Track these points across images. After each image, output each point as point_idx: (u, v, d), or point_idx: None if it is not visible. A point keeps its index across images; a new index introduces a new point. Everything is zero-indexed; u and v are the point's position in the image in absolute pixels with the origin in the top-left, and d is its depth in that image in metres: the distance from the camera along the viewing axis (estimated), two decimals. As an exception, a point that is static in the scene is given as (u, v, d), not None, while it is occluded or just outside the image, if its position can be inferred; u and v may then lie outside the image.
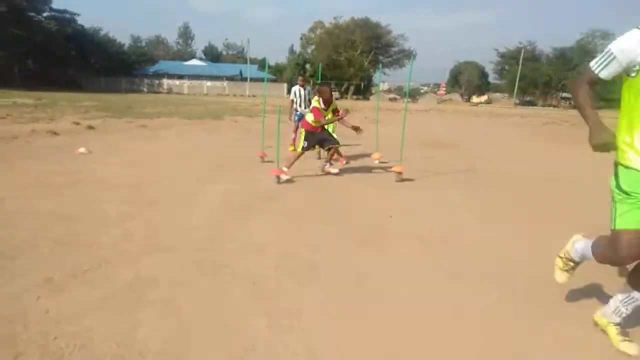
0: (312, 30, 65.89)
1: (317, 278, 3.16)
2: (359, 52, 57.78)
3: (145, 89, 56.35)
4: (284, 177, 6.03)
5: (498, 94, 78.98)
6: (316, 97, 6.67)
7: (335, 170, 6.78)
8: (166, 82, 59.24)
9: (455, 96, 71.21)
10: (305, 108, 8.64)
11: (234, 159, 7.90)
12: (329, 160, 6.85)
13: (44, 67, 49.32)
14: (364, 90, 61.29)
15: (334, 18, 62.40)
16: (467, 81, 71.42)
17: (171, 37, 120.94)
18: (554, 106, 60.32)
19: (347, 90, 58.25)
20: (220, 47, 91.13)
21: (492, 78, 78.01)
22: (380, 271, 3.31)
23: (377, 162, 7.84)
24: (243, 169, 7.01)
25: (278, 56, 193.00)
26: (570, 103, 63.94)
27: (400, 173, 6.31)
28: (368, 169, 7.42)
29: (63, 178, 5.83)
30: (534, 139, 14.73)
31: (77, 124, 12.13)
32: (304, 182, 6.24)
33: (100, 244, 3.59)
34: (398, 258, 3.58)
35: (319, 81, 8.89)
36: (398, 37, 62.50)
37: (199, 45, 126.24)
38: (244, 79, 62.62)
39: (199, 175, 6.35)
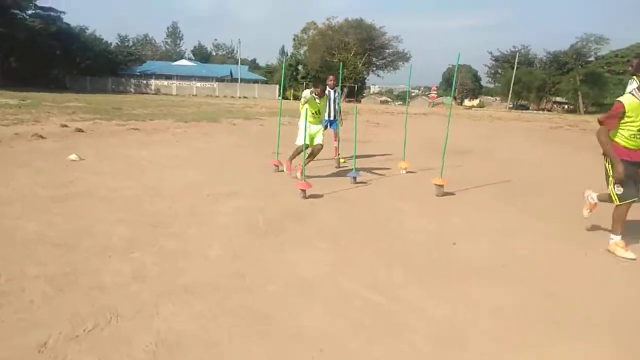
0: (304, 31, 65.08)
1: (395, 331, 2.43)
2: (352, 54, 57.12)
3: (132, 90, 54.98)
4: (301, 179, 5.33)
5: (490, 98, 79.04)
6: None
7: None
8: (154, 82, 57.92)
9: (447, 100, 71.10)
10: (333, 113, 7.61)
11: (243, 168, 7.13)
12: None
13: (27, 66, 47.64)
14: (356, 93, 60.65)
15: (327, 19, 61.66)
16: (461, 85, 71.28)
17: (159, 37, 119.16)
18: (548, 110, 60.42)
19: (341, 93, 57.50)
20: (209, 47, 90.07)
21: (485, 82, 78.28)
22: (474, 326, 2.58)
23: (403, 172, 7.13)
24: (257, 180, 6.24)
25: (269, 57, 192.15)
26: (563, 107, 64.21)
27: (441, 186, 5.59)
28: (398, 181, 6.67)
29: (52, 191, 5.01)
30: (548, 144, 14.16)
31: (65, 126, 11.21)
32: (332, 196, 5.49)
33: (105, 286, 2.81)
34: (491, 306, 2.85)
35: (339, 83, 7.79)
36: (392, 39, 61.97)
37: (187, 46, 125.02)
38: (234, 80, 61.64)
39: (207, 188, 5.57)
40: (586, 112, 53.06)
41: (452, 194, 5.78)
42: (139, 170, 6.49)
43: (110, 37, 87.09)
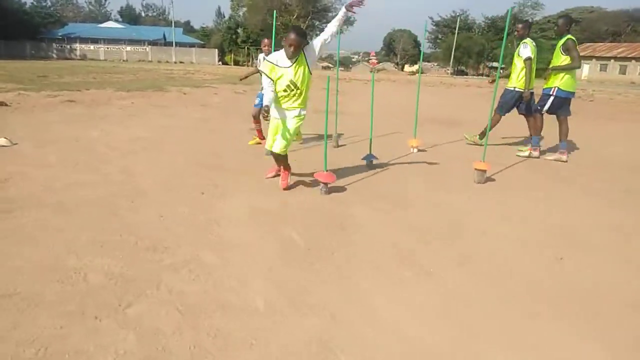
0: (242, -9, 61.31)
1: None
2: (295, 16, 54.65)
3: (54, 55, 49.67)
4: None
5: (428, 64, 79.60)
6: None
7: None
8: (79, 47, 52.67)
9: (388, 65, 70.69)
10: None
11: (226, 150, 5.85)
12: None
13: None
14: (300, 58, 58.50)
15: (267, -22, 58.33)
16: (403, 50, 70.91)
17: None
18: (487, 75, 61.69)
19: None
20: (138, 8, 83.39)
21: (426, 47, 78.39)
22: None
23: (415, 150, 6.16)
24: (252, 167, 5.04)
25: (204, 19, 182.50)
26: (501, 72, 65.80)
27: (484, 172, 4.68)
28: (417, 163, 5.66)
29: (-19, 198, 3.57)
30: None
31: (-19, 99, 9.17)
32: (357, 190, 4.41)
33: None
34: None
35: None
36: (336, 1, 59.97)
37: (114, 6, 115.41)
38: (168, 44, 57.45)
39: (197, 182, 4.32)
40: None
41: (491, 178, 4.90)
42: (97, 159, 5.05)
43: (22, -4, 77.76)
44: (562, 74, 5.87)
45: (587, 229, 3.57)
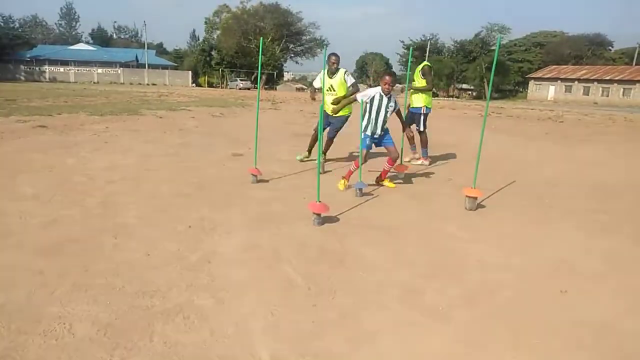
0: (216, 14, 61.57)
1: None
2: (269, 39, 55.08)
3: (22, 77, 48.61)
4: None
5: (398, 85, 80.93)
6: None
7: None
8: (48, 69, 51.73)
9: (362, 87, 71.73)
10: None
11: (211, 179, 5.66)
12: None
13: None
14: (274, 80, 58.89)
15: (241, 2, 58.85)
16: (375, 72, 72.23)
17: (51, 19, 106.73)
18: (456, 97, 63.19)
19: (256, 80, 55.48)
20: (110, 30, 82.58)
21: (397, 70, 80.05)
22: None
23: (402, 175, 6.12)
24: (240, 197, 4.88)
25: (177, 41, 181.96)
26: (469, 94, 67.71)
27: (475, 198, 4.65)
28: (405, 188, 5.63)
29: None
30: (507, 134, 13.93)
31: (-53, 125, 8.75)
32: (350, 219, 4.30)
33: None
34: None
35: None
36: (309, 26, 60.93)
37: (85, 28, 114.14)
38: (140, 66, 56.96)
39: (182, 214, 4.14)
40: (491, 98, 56.35)
41: (481, 204, 4.87)
42: (75, 190, 4.80)
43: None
44: (425, 94, 7.05)
45: (582, 257, 3.55)
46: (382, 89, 5.16)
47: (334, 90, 6.41)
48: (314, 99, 6.96)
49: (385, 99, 5.17)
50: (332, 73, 6.36)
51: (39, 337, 2.17)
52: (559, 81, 56.41)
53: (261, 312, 2.51)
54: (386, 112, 5.20)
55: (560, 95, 55.23)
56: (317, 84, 6.89)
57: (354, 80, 6.37)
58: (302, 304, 2.63)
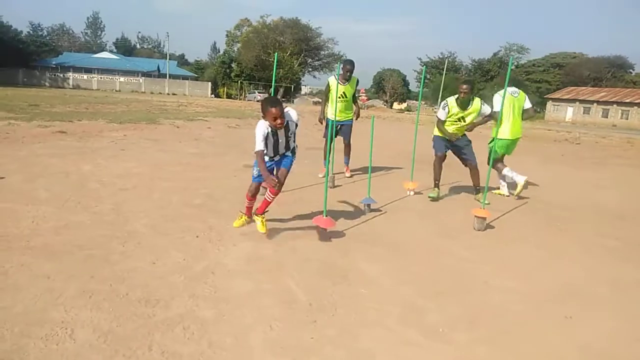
0: (237, 27, 62.71)
1: None
2: (288, 53, 55.75)
3: (47, 84, 49.70)
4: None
5: (415, 102, 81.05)
6: None
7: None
8: (72, 76, 52.89)
9: (377, 102, 71.86)
10: None
11: (221, 191, 5.72)
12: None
13: None
14: (292, 93, 59.46)
15: (261, 17, 59.90)
16: (392, 88, 72.42)
17: (78, 28, 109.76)
18: (473, 115, 62.88)
19: (276, 92, 56.02)
20: (134, 40, 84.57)
21: (413, 86, 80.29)
22: None
23: (411, 193, 6.11)
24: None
25: (198, 53, 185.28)
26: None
27: (484, 219, 4.62)
28: (415, 207, 5.57)
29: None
30: (522, 155, 13.82)
31: (-29, 128, 9.03)
32: (357, 235, 4.31)
33: None
34: None
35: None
36: (328, 41, 61.60)
37: (110, 38, 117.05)
38: (162, 76, 58.05)
39: (190, 224, 4.19)
40: (509, 118, 55.97)
41: (490, 225, 4.83)
42: (88, 196, 4.90)
43: (20, 25, 78.28)
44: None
45: (588, 283, 3.50)
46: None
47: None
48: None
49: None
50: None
51: (40, 341, 2.22)
52: (577, 102, 55.81)
53: (261, 326, 2.52)
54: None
55: (579, 117, 54.59)
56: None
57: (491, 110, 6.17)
58: (302, 319, 2.63)
